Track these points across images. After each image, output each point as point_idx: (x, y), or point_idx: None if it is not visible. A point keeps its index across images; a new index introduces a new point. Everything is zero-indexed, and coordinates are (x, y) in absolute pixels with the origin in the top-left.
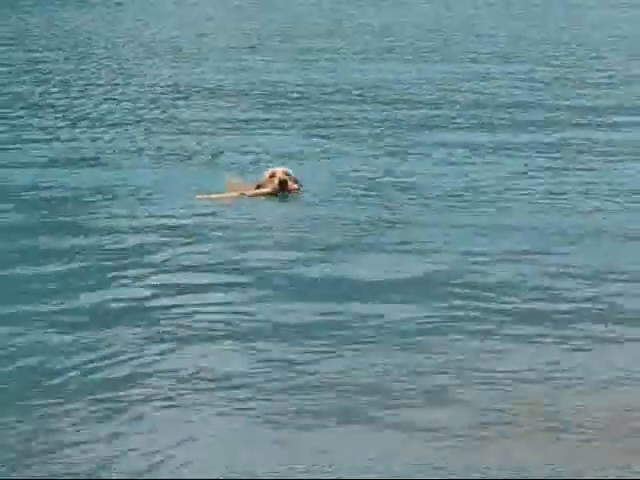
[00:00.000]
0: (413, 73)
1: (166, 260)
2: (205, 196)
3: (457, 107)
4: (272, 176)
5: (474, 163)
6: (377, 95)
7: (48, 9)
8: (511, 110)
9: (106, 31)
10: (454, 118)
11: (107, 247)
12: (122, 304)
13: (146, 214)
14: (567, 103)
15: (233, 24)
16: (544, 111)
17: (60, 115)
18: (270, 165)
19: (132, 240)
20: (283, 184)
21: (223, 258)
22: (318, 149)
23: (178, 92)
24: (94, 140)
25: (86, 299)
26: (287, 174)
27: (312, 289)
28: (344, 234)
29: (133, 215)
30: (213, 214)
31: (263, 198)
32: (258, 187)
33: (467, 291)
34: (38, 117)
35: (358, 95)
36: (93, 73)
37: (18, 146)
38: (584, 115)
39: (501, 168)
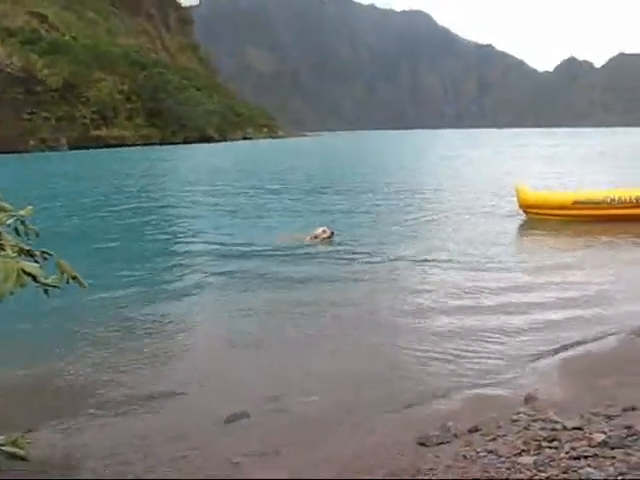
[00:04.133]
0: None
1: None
2: (292, 237)
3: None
4: (324, 231)
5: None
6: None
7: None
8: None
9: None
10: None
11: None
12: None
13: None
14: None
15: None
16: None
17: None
18: (319, 225)
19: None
20: (330, 235)
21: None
22: (330, 219)
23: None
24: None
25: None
26: (330, 230)
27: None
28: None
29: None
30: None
31: (321, 240)
32: (316, 237)
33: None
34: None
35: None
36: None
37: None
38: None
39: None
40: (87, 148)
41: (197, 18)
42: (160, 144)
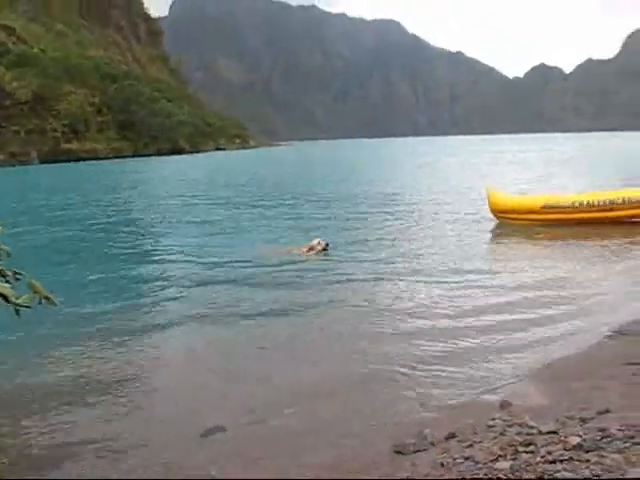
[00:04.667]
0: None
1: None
2: (286, 250)
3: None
4: (319, 243)
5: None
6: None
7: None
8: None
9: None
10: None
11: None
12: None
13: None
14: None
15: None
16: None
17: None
18: (315, 237)
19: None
20: (325, 247)
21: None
22: (321, 231)
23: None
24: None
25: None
26: (324, 242)
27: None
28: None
29: (246, 259)
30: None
31: (317, 252)
32: (311, 248)
33: None
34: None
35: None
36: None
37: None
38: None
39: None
40: (58, 162)
41: (166, 29)
42: (132, 156)
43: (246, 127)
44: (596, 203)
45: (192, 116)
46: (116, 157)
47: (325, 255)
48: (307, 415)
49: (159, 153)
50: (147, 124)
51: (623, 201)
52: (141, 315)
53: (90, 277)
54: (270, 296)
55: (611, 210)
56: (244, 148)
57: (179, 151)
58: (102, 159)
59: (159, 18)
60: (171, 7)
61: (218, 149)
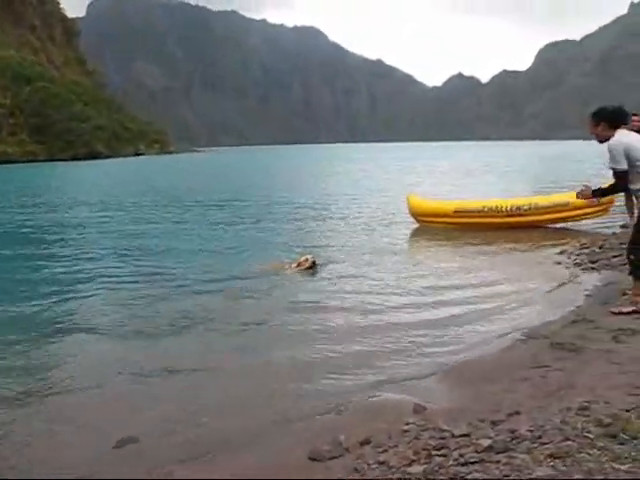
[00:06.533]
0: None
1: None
2: (277, 264)
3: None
4: (306, 260)
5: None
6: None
7: None
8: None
9: None
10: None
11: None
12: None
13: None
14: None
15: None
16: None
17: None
18: (303, 253)
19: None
20: (313, 263)
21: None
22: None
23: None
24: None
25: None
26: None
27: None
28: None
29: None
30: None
31: (304, 269)
32: (299, 264)
33: None
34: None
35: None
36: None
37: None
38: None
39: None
40: None
41: (83, 30)
42: (49, 160)
43: (166, 132)
44: (504, 209)
45: (110, 120)
46: (30, 161)
47: (313, 272)
48: (219, 425)
49: (75, 157)
50: (63, 127)
51: (530, 207)
52: (59, 324)
53: None
54: (208, 307)
55: (519, 215)
56: (164, 153)
57: (96, 155)
58: (15, 163)
59: (76, 18)
60: (88, 7)
61: (137, 154)
